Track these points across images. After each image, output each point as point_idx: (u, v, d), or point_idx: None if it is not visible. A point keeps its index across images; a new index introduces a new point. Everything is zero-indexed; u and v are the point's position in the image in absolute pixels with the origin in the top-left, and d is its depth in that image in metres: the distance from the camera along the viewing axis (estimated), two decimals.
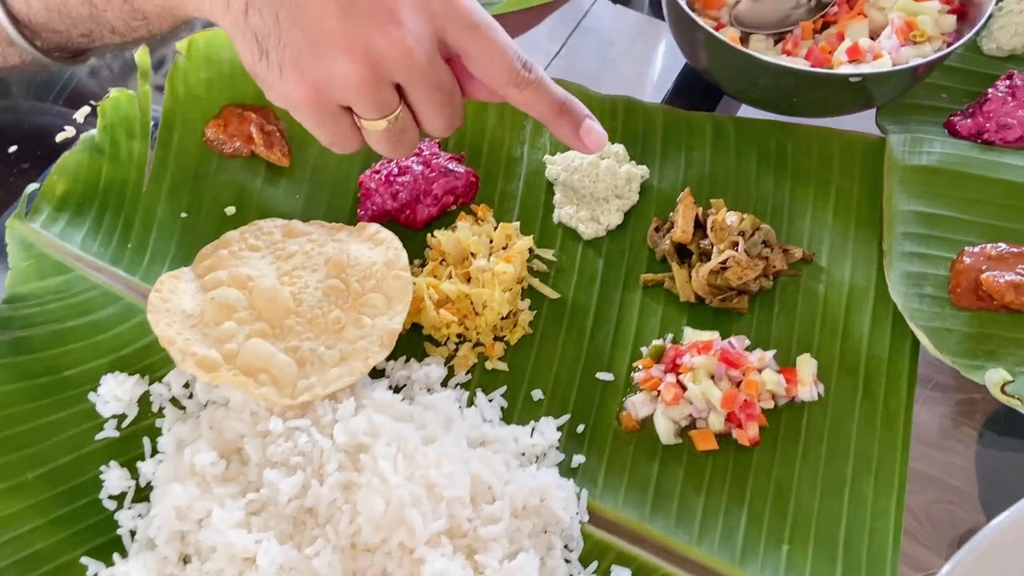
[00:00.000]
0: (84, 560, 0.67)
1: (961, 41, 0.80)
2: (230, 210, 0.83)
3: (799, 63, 0.82)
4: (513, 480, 0.65)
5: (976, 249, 0.79)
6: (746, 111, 0.90)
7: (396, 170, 0.81)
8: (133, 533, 0.68)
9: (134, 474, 0.70)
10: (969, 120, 0.86)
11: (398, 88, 0.59)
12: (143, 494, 0.70)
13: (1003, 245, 0.79)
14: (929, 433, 0.74)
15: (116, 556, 0.67)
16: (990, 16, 0.91)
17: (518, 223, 0.81)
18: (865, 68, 0.80)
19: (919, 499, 0.71)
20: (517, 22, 1.01)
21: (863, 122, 0.87)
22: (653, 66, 1.02)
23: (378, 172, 0.82)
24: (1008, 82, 0.87)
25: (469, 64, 0.60)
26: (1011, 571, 0.53)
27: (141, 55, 0.85)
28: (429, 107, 0.60)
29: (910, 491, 0.70)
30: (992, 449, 0.75)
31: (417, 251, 0.81)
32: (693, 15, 0.80)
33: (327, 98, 0.58)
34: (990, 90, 0.86)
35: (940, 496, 0.71)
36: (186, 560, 0.65)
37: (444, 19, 0.57)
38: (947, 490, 0.72)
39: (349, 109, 0.60)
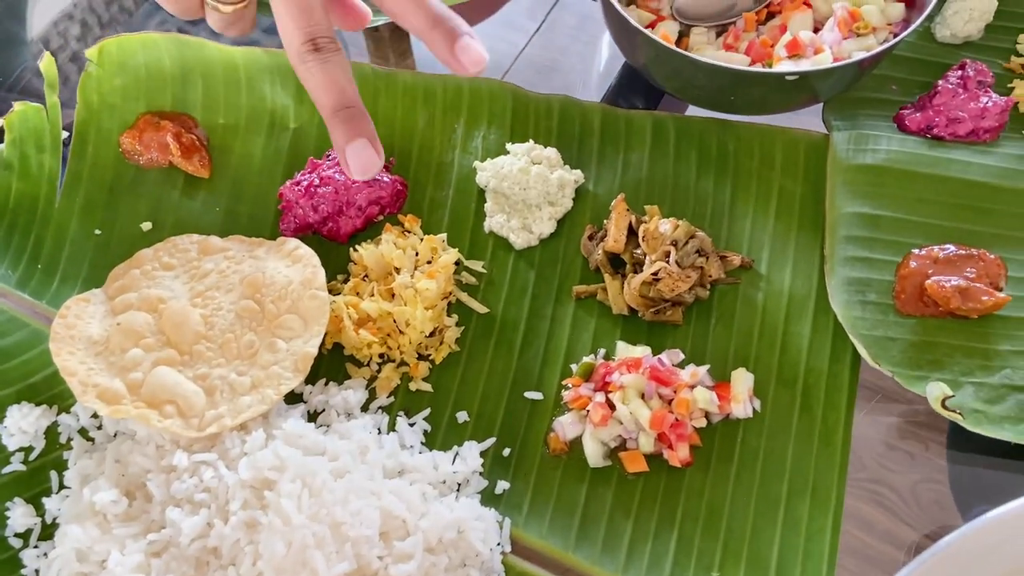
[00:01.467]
0: None
1: (907, 32, 0.76)
2: (146, 226, 0.80)
3: (735, 60, 0.78)
4: (429, 513, 0.62)
5: (923, 252, 0.76)
6: (691, 110, 0.87)
7: (317, 181, 0.78)
8: (38, 573, 0.65)
9: (40, 510, 0.68)
10: (918, 114, 0.82)
11: None
12: (49, 531, 0.67)
13: (951, 247, 0.76)
14: (916, 413, 0.72)
15: None
16: (943, 1, 0.88)
17: (444, 235, 0.78)
18: (804, 64, 0.76)
19: (905, 478, 0.69)
20: (490, 1, 0.98)
21: (809, 119, 0.83)
22: (598, 57, 0.98)
23: (298, 184, 0.78)
24: (960, 72, 0.83)
25: None
26: None
27: (47, 64, 0.81)
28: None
29: (896, 470, 0.69)
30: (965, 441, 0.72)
31: (340, 266, 0.77)
32: (625, 14, 0.76)
33: None
34: (940, 82, 0.83)
35: (928, 476, 0.69)
36: None
37: None
38: (936, 470, 0.70)
39: None
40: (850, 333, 0.71)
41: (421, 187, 0.82)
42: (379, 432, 0.69)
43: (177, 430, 0.65)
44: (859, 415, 0.71)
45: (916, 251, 0.76)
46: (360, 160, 0.57)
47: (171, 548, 0.61)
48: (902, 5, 0.81)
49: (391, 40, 0.99)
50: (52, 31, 0.98)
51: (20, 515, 0.67)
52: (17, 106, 0.81)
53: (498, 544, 0.65)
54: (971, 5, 0.86)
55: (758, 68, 0.75)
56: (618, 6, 0.76)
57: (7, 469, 0.69)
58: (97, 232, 0.80)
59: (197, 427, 0.65)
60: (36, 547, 0.66)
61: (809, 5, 0.82)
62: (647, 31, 0.75)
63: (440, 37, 0.57)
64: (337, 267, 0.77)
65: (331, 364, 0.74)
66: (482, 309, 0.76)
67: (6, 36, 0.99)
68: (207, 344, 0.70)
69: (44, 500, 0.67)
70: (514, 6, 0.99)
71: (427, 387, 0.73)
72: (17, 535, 0.67)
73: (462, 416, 0.72)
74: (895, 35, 0.79)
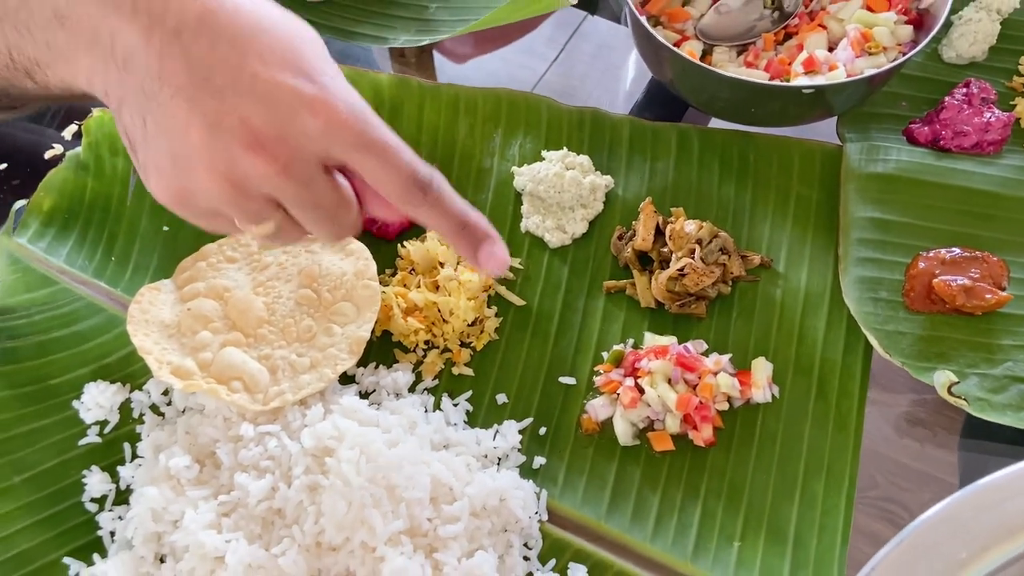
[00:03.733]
0: (66, 560, 0.70)
1: (915, 50, 0.82)
2: None
3: (756, 76, 0.84)
4: (473, 481, 0.68)
5: (931, 254, 0.81)
6: (715, 119, 0.93)
7: None
8: (113, 534, 0.71)
9: (115, 478, 0.74)
10: (926, 127, 0.88)
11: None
12: (123, 497, 0.73)
13: (957, 250, 0.81)
14: (924, 432, 0.77)
15: (96, 556, 0.70)
16: (950, 25, 0.94)
17: None
18: (819, 79, 0.82)
19: (917, 497, 0.73)
20: (512, 29, 1.04)
21: (824, 132, 0.89)
22: (625, 74, 1.05)
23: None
24: (965, 90, 0.89)
25: (365, 178, 0.56)
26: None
27: None
28: (309, 222, 0.56)
29: (908, 488, 0.73)
30: (975, 445, 0.77)
31: (389, 261, 0.84)
32: (655, 33, 0.82)
33: (193, 205, 0.55)
34: (946, 98, 0.88)
35: (939, 494, 0.72)
36: (162, 559, 0.68)
37: (324, 140, 0.53)
38: (948, 489, 0.73)
39: None
40: (863, 327, 0.77)
41: (462, 191, 0.87)
42: (425, 411, 0.75)
43: (244, 403, 0.71)
44: (872, 433, 0.75)
45: (924, 253, 0.81)
46: (492, 262, 0.60)
47: (239, 508, 0.67)
48: (910, 27, 0.87)
49: (417, 65, 1.06)
50: None
51: (96, 482, 0.73)
52: (96, 112, 0.88)
53: (536, 512, 0.70)
54: (975, 28, 0.93)
55: (777, 82, 0.81)
56: (647, 26, 0.83)
57: (84, 441, 0.75)
58: (165, 229, 0.86)
59: (262, 402, 0.71)
60: (111, 511, 0.72)
61: (824, 27, 0.89)
62: (675, 48, 0.82)
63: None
64: (385, 262, 0.84)
65: (380, 349, 0.80)
66: (519, 302, 0.82)
67: None
68: (269, 328, 0.76)
69: (119, 468, 0.73)
70: (535, 34, 1.06)
71: (469, 371, 0.79)
72: (93, 500, 0.73)
73: (501, 398, 0.77)
74: (904, 54, 0.85)
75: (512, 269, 0.83)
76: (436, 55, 1.05)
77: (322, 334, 0.75)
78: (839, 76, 0.82)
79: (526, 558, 0.69)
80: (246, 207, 0.54)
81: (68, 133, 0.93)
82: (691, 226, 0.80)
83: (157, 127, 0.52)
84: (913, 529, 0.53)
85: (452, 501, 0.67)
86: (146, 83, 0.51)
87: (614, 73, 1.03)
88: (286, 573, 0.63)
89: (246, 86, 0.50)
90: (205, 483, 0.69)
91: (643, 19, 0.83)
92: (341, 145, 0.53)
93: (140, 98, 0.52)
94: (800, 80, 0.83)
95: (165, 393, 0.77)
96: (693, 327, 0.80)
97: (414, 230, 0.86)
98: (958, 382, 0.73)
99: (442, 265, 0.81)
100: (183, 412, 0.76)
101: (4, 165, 0.92)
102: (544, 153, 0.87)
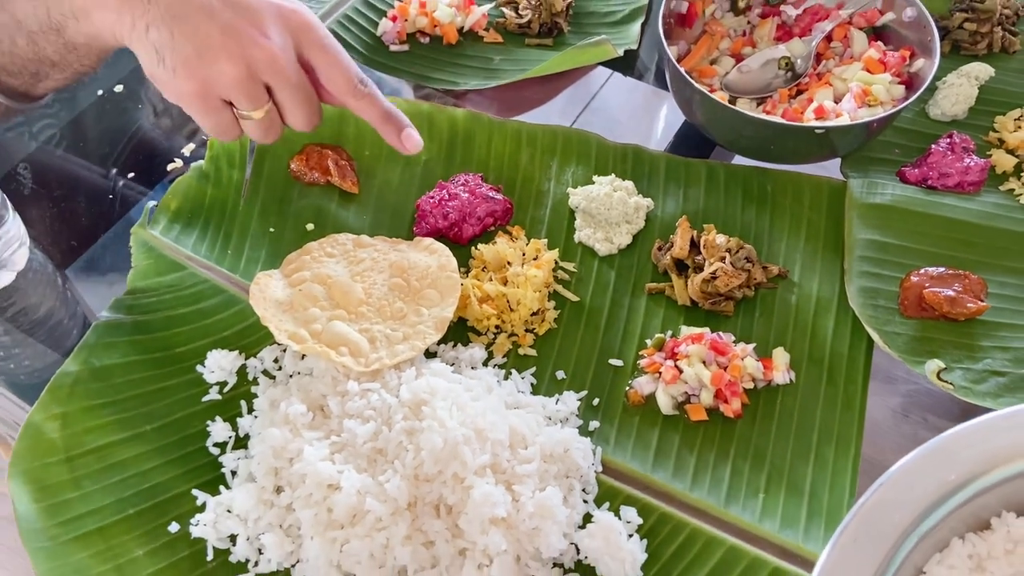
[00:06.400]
0: (194, 492, 0.82)
1: (906, 103, 0.99)
2: (310, 226, 1.02)
3: (776, 118, 1.01)
4: (542, 433, 0.81)
5: (921, 271, 0.96)
6: (736, 160, 1.09)
7: (447, 196, 1.00)
8: (234, 473, 0.84)
9: (234, 427, 0.87)
10: (916, 170, 1.05)
11: (268, 90, 0.78)
12: (242, 443, 0.86)
13: (942, 268, 0.96)
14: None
15: (221, 488, 0.82)
16: (935, 87, 1.12)
17: (546, 240, 0.99)
18: (828, 123, 0.99)
19: None
20: (529, 99, 1.20)
21: (830, 170, 1.06)
22: (657, 124, 1.22)
23: (432, 197, 1.00)
24: (948, 140, 1.06)
25: (319, 76, 0.81)
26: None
27: None
28: (292, 103, 0.79)
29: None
30: None
31: (463, 262, 0.99)
32: (691, 79, 1.00)
33: (212, 92, 0.75)
34: (933, 146, 1.06)
35: None
36: (279, 491, 0.80)
37: (300, 36, 0.78)
38: None
39: (230, 105, 0.78)
40: (866, 325, 0.91)
41: (524, 208, 1.04)
42: (498, 381, 0.89)
43: (350, 365, 0.84)
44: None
45: (916, 270, 0.97)
46: (411, 141, 0.85)
47: (348, 448, 0.80)
48: (903, 87, 1.04)
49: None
50: None
51: (219, 429, 0.86)
52: None
53: (593, 464, 0.83)
54: (957, 91, 1.11)
55: (795, 123, 0.98)
56: (685, 74, 1.00)
57: (207, 398, 0.88)
58: (271, 230, 1.01)
59: (364, 365, 0.85)
60: (232, 453, 0.85)
61: (830, 84, 1.06)
62: (709, 93, 0.99)
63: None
64: (459, 263, 0.98)
65: (457, 332, 0.94)
66: (574, 298, 0.96)
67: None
68: (367, 308, 0.90)
69: (238, 420, 0.86)
70: (549, 107, 1.21)
71: (532, 352, 0.93)
72: (216, 444, 0.86)
73: (560, 374, 0.91)
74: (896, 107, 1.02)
75: (567, 272, 0.98)
76: None
77: (412, 314, 0.90)
78: (844, 121, 0.99)
79: (585, 501, 0.82)
80: (251, 90, 0.76)
81: (187, 150, 1.10)
82: (721, 238, 0.95)
83: (183, 35, 0.72)
84: (913, 456, 0.66)
85: (526, 447, 0.80)
86: (173, 6, 0.72)
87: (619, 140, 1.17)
88: (391, 496, 0.75)
89: (246, 1, 0.75)
90: (318, 428, 0.82)
91: (682, 69, 1.01)
92: (310, 41, 0.78)
93: (166, 18, 0.72)
94: (812, 123, 0.99)
95: (275, 361, 0.91)
96: (722, 323, 0.94)
97: (482, 237, 1.01)
98: (946, 368, 0.87)
99: (510, 264, 0.96)
100: (291, 376, 0.89)
101: (132, 174, 1.08)
102: (595, 177, 1.03)
